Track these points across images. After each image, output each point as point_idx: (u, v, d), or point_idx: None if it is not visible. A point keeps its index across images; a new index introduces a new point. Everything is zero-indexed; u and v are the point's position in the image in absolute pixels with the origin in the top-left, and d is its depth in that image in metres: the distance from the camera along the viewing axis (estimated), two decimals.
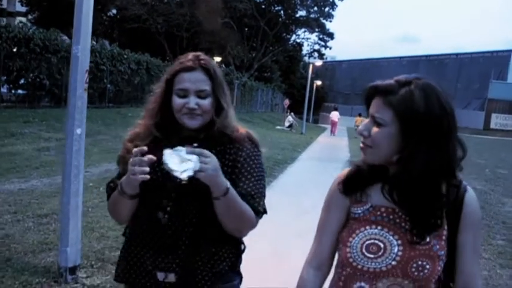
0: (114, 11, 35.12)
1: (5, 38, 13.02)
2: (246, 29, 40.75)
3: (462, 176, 1.35)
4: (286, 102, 41.55)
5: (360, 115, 33.58)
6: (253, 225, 1.65)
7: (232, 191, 1.55)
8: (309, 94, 32.15)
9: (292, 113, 31.96)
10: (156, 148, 1.55)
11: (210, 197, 1.55)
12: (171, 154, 1.46)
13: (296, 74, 55.28)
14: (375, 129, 1.31)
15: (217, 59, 27.80)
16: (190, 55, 1.68)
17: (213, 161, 1.49)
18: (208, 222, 1.61)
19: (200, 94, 1.63)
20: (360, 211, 1.38)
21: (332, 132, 30.65)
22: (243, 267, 1.77)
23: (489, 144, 30.45)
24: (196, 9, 32.33)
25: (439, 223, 1.30)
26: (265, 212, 1.67)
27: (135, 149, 1.51)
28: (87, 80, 3.38)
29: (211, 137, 1.67)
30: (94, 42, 18.07)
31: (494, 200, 8.86)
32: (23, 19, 35.41)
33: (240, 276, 1.78)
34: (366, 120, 1.35)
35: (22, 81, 14.54)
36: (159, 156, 1.50)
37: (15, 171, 7.35)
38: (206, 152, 1.49)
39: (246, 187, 1.64)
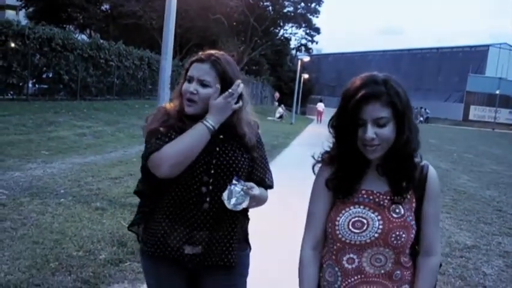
0: (107, 6, 36.17)
1: (32, 38, 14.62)
2: (235, 23, 42.00)
3: (430, 158, 2.06)
4: (277, 95, 43.43)
5: None
6: (266, 201, 1.92)
7: (260, 193, 1.82)
8: (297, 88, 34.14)
9: (282, 105, 33.65)
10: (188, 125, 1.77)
11: (242, 175, 1.79)
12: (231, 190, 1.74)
13: (284, 67, 55.54)
14: (379, 130, 1.44)
15: None
16: (207, 51, 1.82)
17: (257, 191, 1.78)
18: None
19: (202, 82, 1.75)
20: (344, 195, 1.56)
21: (318, 120, 33.44)
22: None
23: (465, 134, 32.78)
24: (188, 6, 33.73)
25: (409, 186, 1.53)
26: (272, 186, 1.96)
27: (238, 81, 1.76)
28: (170, 81, 5.22)
29: (229, 132, 1.82)
30: (104, 41, 19.51)
31: (453, 176, 10.95)
32: (13, 13, 35.78)
33: (249, 246, 1.97)
34: (369, 127, 1.43)
35: (44, 76, 16.12)
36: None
37: (71, 150, 9.06)
38: (254, 188, 1.77)
39: (259, 174, 1.88)
